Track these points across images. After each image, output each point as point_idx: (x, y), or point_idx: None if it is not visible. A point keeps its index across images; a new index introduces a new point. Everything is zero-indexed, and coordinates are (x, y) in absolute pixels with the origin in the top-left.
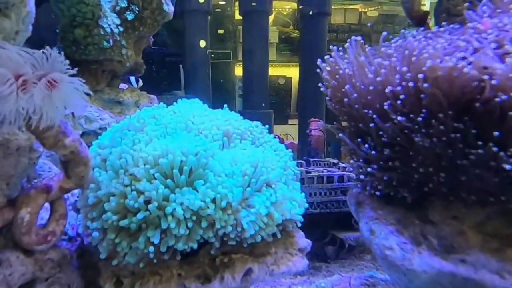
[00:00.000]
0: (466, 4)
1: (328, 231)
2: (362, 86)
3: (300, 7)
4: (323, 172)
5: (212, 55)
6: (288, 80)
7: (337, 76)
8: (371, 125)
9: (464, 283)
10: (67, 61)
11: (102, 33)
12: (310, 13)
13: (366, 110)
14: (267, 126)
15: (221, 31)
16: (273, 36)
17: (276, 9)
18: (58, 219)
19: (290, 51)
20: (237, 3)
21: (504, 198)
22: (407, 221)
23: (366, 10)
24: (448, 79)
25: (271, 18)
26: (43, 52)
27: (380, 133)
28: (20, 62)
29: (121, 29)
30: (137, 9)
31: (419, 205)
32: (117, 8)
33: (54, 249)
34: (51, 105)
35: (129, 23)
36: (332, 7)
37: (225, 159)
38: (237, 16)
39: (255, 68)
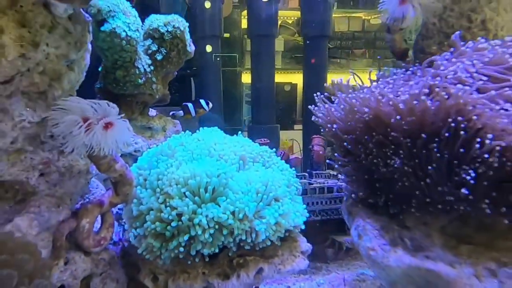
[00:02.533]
0: (435, 47)
1: (328, 235)
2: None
3: (304, 31)
4: (324, 183)
5: (218, 58)
6: (294, 86)
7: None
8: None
9: (427, 274)
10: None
11: (137, 72)
12: (311, 35)
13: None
14: (274, 149)
15: (227, 35)
16: (279, 44)
17: (282, 18)
18: (108, 227)
19: (295, 58)
20: (244, 12)
21: (461, 208)
22: (388, 227)
23: (369, 17)
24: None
25: None
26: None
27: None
28: (87, 110)
29: (152, 68)
30: (165, 51)
31: (398, 214)
32: (149, 51)
33: (105, 251)
34: (107, 140)
35: (158, 63)
36: (336, 15)
37: (241, 179)
38: (244, 25)
39: (263, 87)
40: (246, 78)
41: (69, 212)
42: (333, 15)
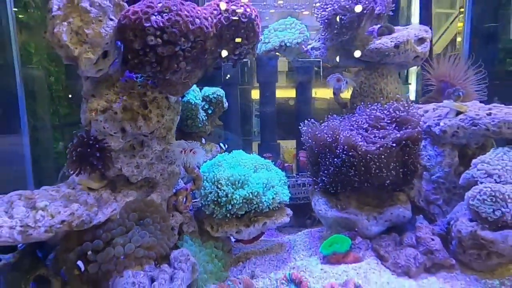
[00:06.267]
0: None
1: (308, 212)
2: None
3: (295, 77)
4: (305, 180)
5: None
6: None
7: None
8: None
9: (346, 220)
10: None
11: (198, 121)
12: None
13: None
14: (273, 162)
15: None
16: (283, 65)
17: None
18: (189, 200)
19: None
20: None
21: (363, 188)
22: (330, 200)
23: None
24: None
25: None
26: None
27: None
28: (184, 145)
29: (206, 117)
30: (212, 108)
31: (336, 193)
32: (204, 108)
33: (188, 213)
34: (193, 160)
35: (209, 115)
36: None
37: (255, 177)
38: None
39: (268, 117)
40: (254, 94)
41: (172, 193)
42: None
